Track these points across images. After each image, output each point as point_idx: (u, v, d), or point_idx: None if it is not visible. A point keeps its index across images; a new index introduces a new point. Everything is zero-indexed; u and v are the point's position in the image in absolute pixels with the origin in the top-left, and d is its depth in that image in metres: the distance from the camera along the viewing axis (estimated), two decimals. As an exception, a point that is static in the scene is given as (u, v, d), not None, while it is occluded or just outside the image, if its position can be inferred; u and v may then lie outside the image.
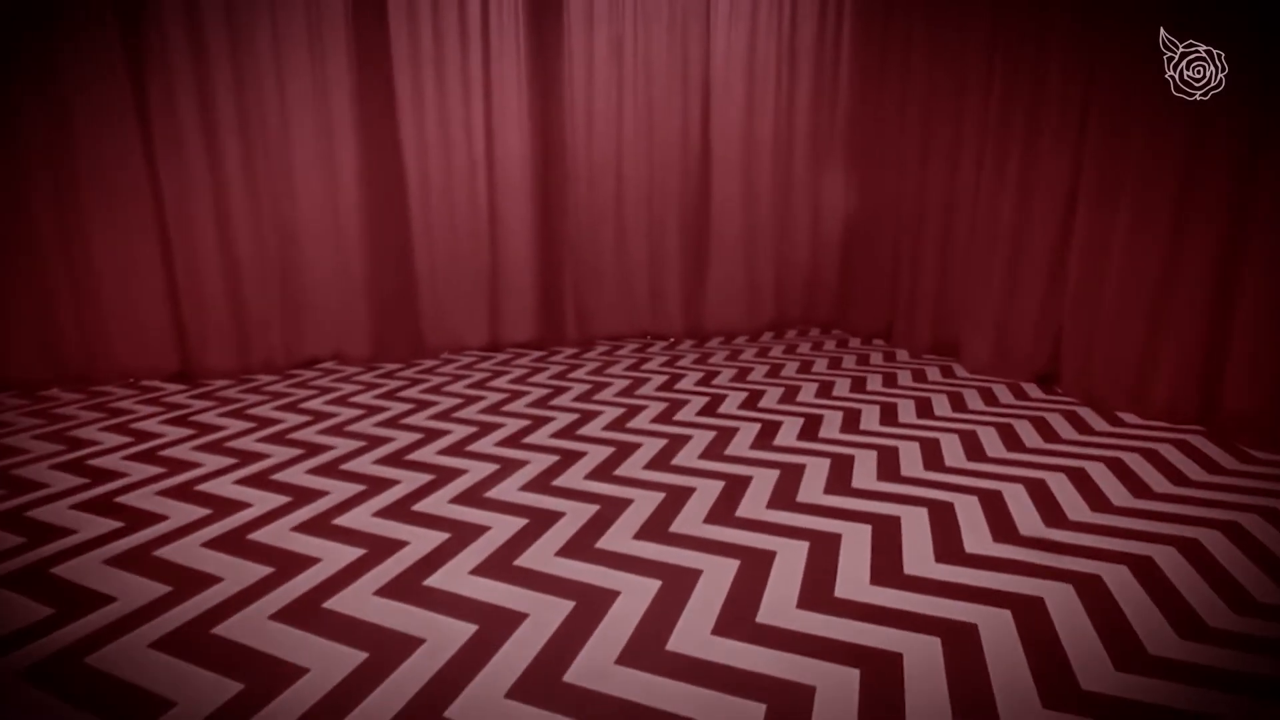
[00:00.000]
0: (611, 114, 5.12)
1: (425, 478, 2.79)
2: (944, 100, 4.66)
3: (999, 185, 4.27)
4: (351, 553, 2.20)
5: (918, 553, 2.21)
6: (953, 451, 3.07)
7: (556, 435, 3.28)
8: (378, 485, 2.71)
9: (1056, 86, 3.86)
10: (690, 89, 5.24)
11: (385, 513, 2.49)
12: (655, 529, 2.37)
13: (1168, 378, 3.45)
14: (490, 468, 2.89)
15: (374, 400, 3.80)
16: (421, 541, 2.27)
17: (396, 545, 2.25)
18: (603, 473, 2.85)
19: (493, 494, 2.64)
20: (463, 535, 2.31)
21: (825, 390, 4.01)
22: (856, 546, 2.25)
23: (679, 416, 3.55)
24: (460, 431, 3.31)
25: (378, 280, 4.60)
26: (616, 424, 3.43)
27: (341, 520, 2.42)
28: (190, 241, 4.15)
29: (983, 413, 3.61)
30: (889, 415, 3.57)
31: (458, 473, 2.84)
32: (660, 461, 2.96)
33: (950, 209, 4.72)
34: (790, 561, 2.16)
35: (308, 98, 4.33)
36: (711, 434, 3.29)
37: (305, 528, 2.37)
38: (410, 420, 3.47)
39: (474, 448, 3.12)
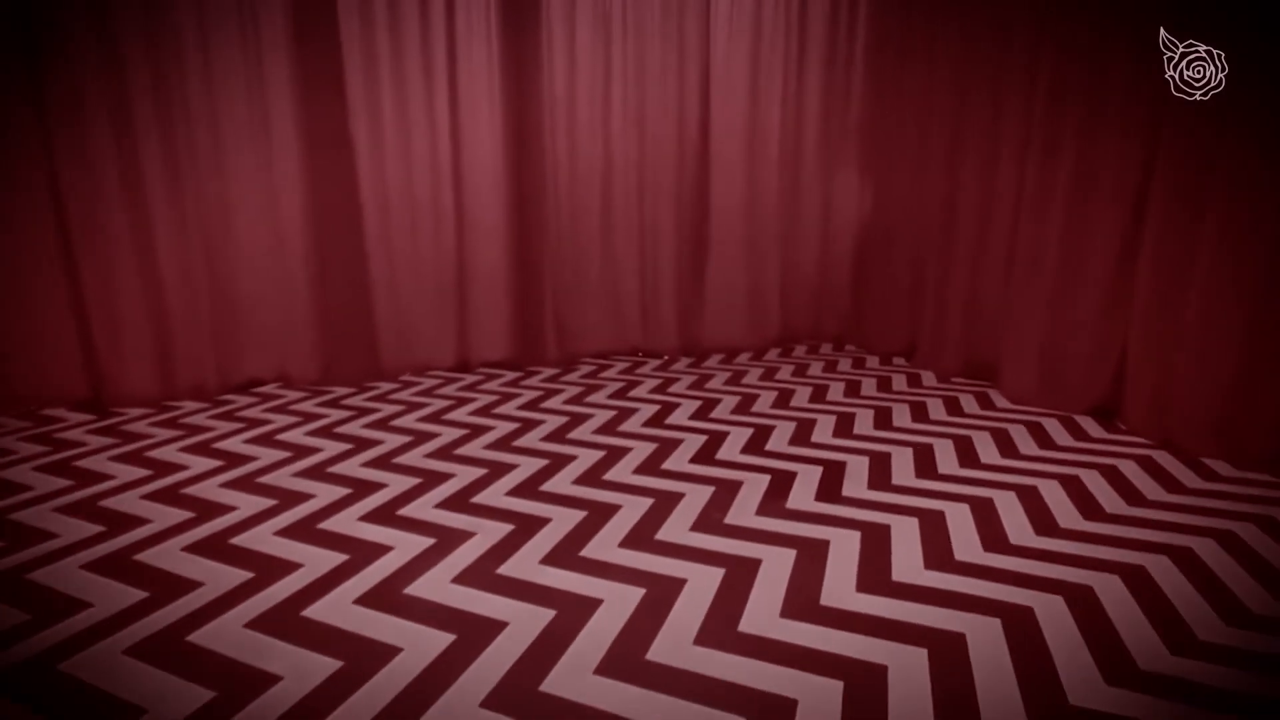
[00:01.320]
0: (597, 110, 4.45)
1: (335, 559, 2.12)
2: (977, 88, 3.99)
3: (1046, 187, 3.59)
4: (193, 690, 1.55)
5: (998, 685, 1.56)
6: (1014, 519, 2.40)
7: (516, 492, 2.61)
8: (270, 571, 2.04)
9: (1122, 70, 3.19)
10: (687, 82, 4.57)
11: (258, 623, 1.81)
12: (624, 660, 1.71)
13: (1270, 419, 2.79)
14: (422, 543, 2.22)
15: (304, 438, 3.13)
16: (301, 670, 1.62)
17: (270, 679, 1.59)
18: (565, 555, 2.17)
19: (415, 589, 1.97)
20: (370, 655, 1.66)
21: (845, 427, 3.34)
22: (913, 675, 1.59)
23: (669, 464, 2.88)
24: (396, 485, 2.64)
25: (325, 294, 3.93)
26: (591, 475, 2.76)
27: (197, 638, 1.75)
28: (103, 250, 3.48)
29: (1039, 459, 2.93)
30: (925, 462, 2.90)
31: (380, 550, 2.16)
32: (641, 536, 2.28)
33: (985, 214, 4.05)
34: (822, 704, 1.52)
35: (240, 93, 3.67)
36: (707, 491, 2.62)
37: (136, 651, 1.71)
38: (339, 468, 2.80)
39: (409, 510, 2.44)
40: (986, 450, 3.03)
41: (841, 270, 5.18)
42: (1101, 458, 2.94)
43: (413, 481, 2.68)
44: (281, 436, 3.15)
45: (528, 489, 2.63)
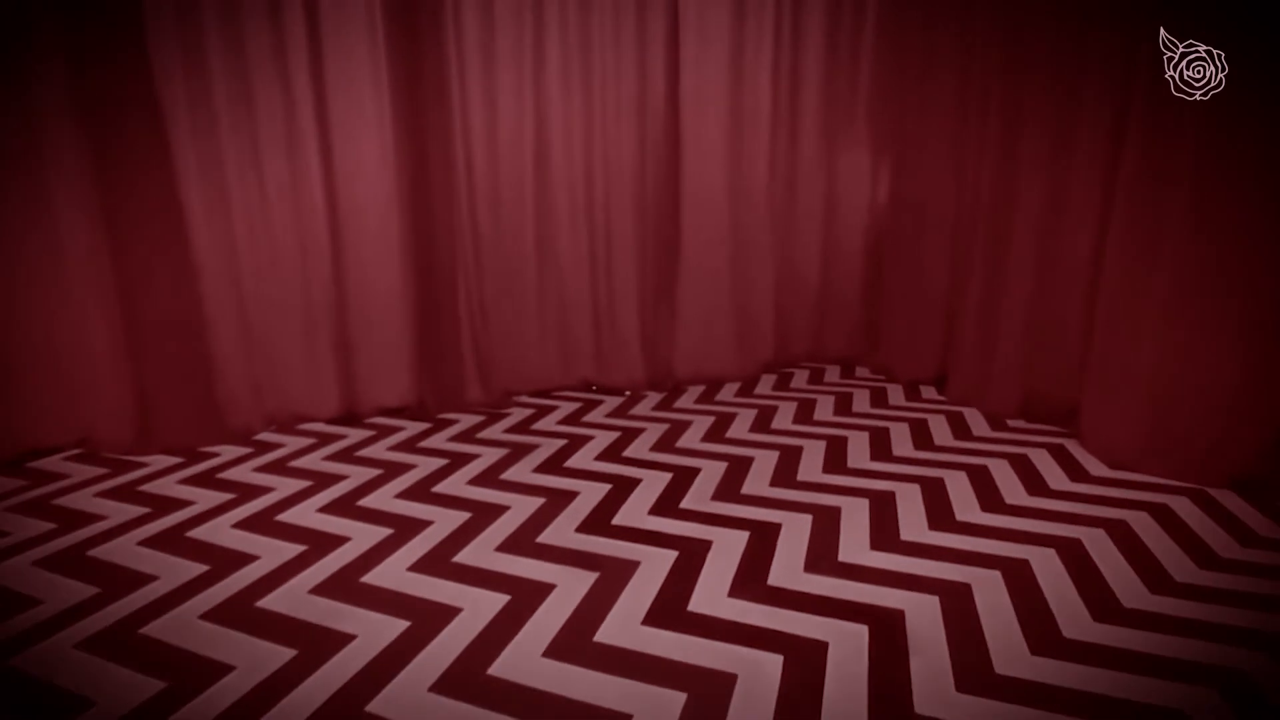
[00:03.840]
0: (526, 71, 3.25)
1: None
2: (1042, 40, 2.85)
3: (1153, 171, 2.47)
4: None
5: None
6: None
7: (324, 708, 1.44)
8: None
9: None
10: (649, 40, 3.39)
11: None
12: None
13: None
14: None
15: (36, 565, 1.93)
16: None
17: None
18: None
19: None
20: None
21: (882, 513, 2.18)
22: None
23: (625, 606, 1.71)
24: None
25: (139, 329, 2.73)
26: (479, 655, 1.59)
27: None
28: None
29: (1210, 593, 1.80)
30: (1034, 610, 1.75)
31: None
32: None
33: (1057, 205, 2.90)
34: None
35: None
36: (680, 699, 1.46)
37: None
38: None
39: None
40: (1120, 577, 1.88)
41: (850, 277, 4.03)
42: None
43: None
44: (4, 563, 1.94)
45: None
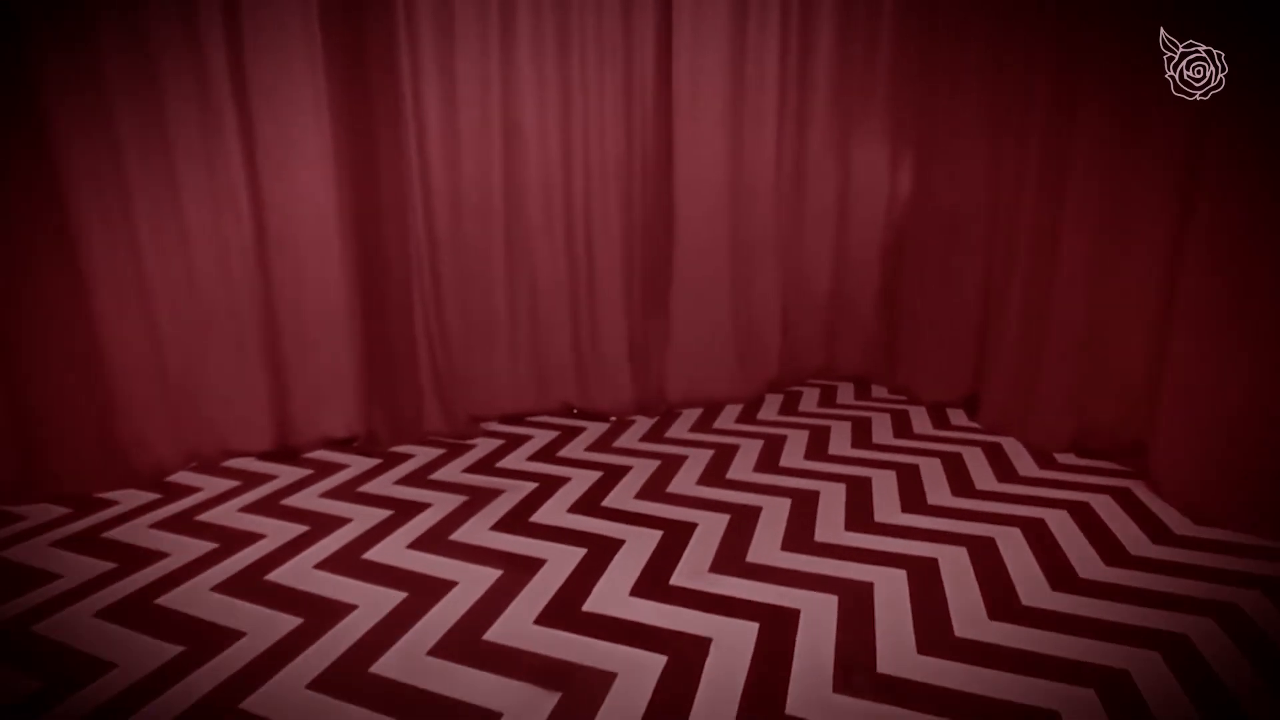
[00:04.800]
0: (493, 42, 2.78)
1: None
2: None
3: (1243, 160, 2.00)
4: None
5: None
6: None
7: None
8: None
9: None
10: (636, 10, 2.92)
11: None
12: None
13: None
14: None
15: None
16: None
17: None
18: None
19: None
20: None
21: (925, 593, 1.71)
22: None
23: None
24: None
25: (15, 356, 2.23)
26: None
27: None
28: None
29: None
30: (1121, 694, 1.29)
31: None
32: None
33: (1117, 205, 2.43)
34: None
35: None
36: None
37: None
38: None
39: None
40: (1233, 673, 1.42)
41: (865, 284, 3.55)
42: None
43: None
44: None
45: None
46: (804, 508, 2.21)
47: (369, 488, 2.38)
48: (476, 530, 2.07)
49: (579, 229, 2.99)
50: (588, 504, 2.25)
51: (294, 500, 2.28)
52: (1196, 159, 2.17)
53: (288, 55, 2.43)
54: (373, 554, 1.94)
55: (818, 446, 2.75)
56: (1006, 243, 2.87)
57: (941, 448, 2.73)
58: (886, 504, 2.24)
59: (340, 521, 2.13)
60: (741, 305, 3.29)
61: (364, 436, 2.75)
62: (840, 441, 2.81)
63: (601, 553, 1.94)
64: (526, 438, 2.85)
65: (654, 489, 2.36)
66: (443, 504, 2.25)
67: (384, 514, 2.18)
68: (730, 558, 1.91)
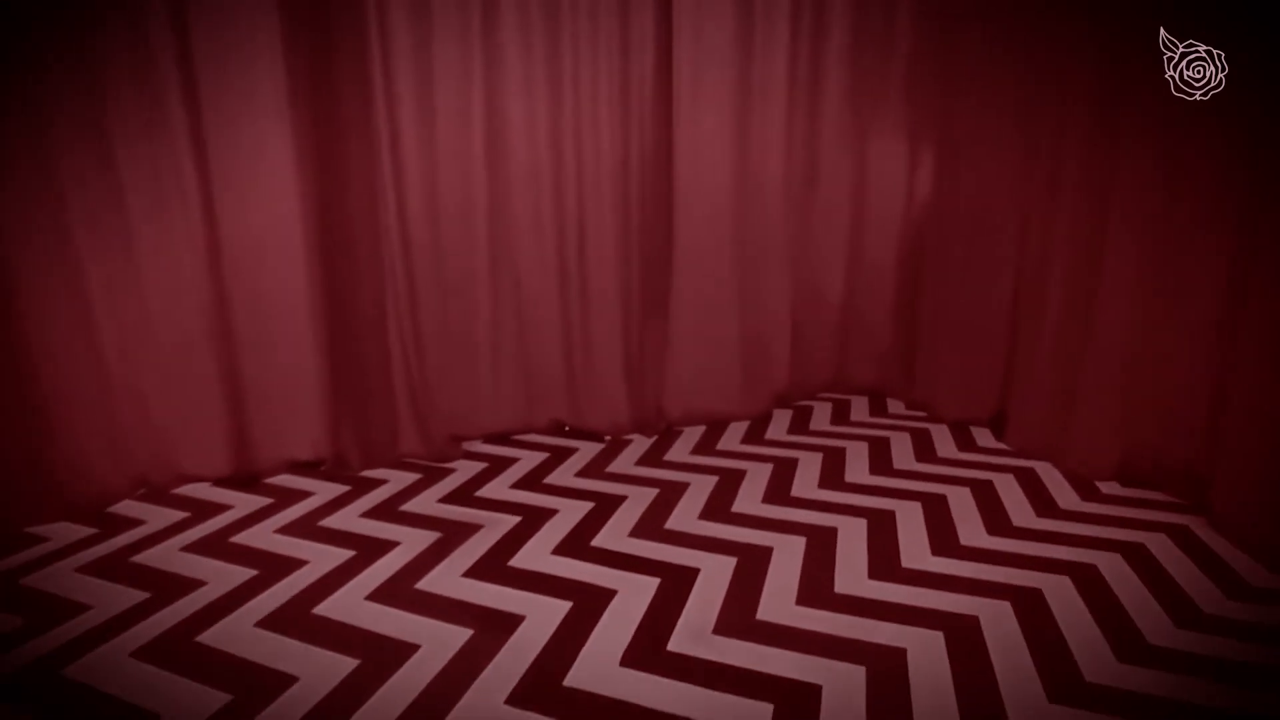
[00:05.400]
0: (473, 18, 2.51)
1: None
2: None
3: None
4: None
5: None
6: None
7: None
8: None
9: None
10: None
11: None
12: None
13: None
14: None
15: None
16: None
17: None
18: None
19: None
20: None
21: (964, 654, 1.45)
22: None
23: None
24: None
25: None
26: None
27: None
28: None
29: None
30: None
31: None
32: None
33: (1169, 204, 2.17)
34: None
35: None
36: None
37: None
38: None
39: None
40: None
41: (881, 290, 3.28)
42: None
43: None
44: None
45: None
46: (821, 549, 1.94)
47: (331, 521, 2.11)
48: (446, 578, 1.80)
49: (570, 230, 2.72)
50: (575, 544, 1.98)
51: (245, 537, 2.02)
52: (1270, 153, 1.90)
53: (242, 43, 2.16)
54: (325, 608, 1.67)
55: (833, 472, 2.48)
56: (1040, 247, 2.60)
57: (970, 474, 2.46)
58: (914, 544, 1.97)
59: (295, 564, 1.87)
60: (747, 312, 3.01)
61: (332, 459, 2.49)
62: (857, 466, 2.54)
63: (589, 607, 1.67)
64: (512, 460, 2.58)
65: (650, 525, 2.09)
66: (412, 542, 1.98)
67: (345, 555, 1.92)
68: (738, 614, 1.65)
